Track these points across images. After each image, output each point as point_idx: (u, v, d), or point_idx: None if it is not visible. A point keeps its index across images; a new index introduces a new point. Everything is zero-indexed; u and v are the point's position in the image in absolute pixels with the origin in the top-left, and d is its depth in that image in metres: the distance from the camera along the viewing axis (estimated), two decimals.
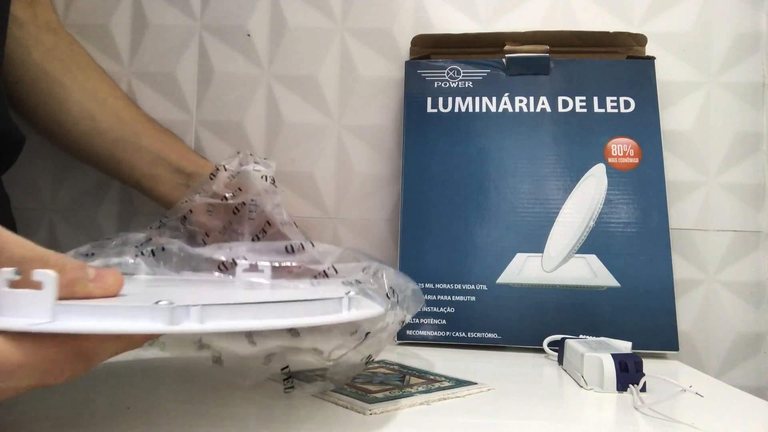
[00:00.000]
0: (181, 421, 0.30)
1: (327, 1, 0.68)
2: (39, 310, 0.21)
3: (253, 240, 0.50)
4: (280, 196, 0.53)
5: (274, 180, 0.53)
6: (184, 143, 0.63)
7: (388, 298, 0.34)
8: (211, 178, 0.53)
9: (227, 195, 0.52)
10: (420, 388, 0.37)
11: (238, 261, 0.38)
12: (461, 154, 0.60)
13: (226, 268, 0.39)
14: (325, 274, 0.38)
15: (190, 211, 0.52)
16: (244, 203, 0.51)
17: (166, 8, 0.69)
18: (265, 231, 0.51)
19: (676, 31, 0.65)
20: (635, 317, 0.54)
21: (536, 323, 0.55)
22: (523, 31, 0.63)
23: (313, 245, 0.41)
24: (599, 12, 0.66)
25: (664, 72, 0.63)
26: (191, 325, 0.22)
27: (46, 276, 0.21)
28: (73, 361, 0.22)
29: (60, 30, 0.61)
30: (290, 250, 0.40)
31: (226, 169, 0.53)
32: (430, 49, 0.64)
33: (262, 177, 0.53)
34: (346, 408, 0.32)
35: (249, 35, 0.68)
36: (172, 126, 0.67)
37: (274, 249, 0.40)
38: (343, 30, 0.68)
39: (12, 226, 0.58)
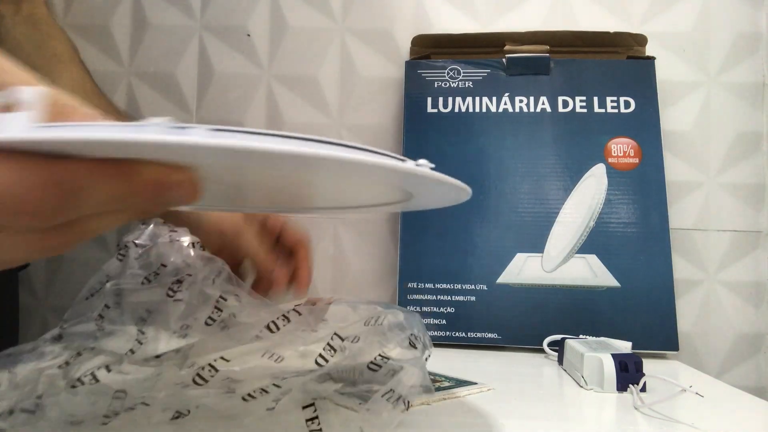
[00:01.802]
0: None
1: (327, 1, 0.68)
2: (13, 127, 0.17)
3: (207, 324, 0.38)
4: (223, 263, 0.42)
5: (202, 246, 0.43)
6: None
7: (413, 347, 0.31)
8: (120, 259, 0.41)
9: (149, 277, 0.40)
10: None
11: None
12: (461, 153, 0.60)
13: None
14: (331, 348, 0.31)
15: (107, 306, 0.39)
16: (179, 281, 0.39)
17: (166, 8, 0.69)
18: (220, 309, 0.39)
19: (676, 31, 0.65)
20: (635, 317, 0.54)
21: (536, 323, 0.55)
22: (523, 31, 0.63)
23: (299, 313, 0.34)
24: (599, 12, 0.66)
25: (664, 72, 0.63)
26: (196, 138, 0.17)
27: (28, 93, 0.18)
28: (53, 194, 0.18)
29: (42, 23, 0.56)
30: (274, 329, 0.33)
31: (136, 245, 0.42)
32: (430, 49, 0.64)
33: (188, 245, 0.42)
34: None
35: (249, 35, 0.68)
36: None
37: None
38: (343, 30, 0.68)
39: None
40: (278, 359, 0.31)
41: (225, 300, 0.38)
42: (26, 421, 0.28)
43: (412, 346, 0.32)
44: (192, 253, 0.41)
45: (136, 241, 0.41)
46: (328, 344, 0.31)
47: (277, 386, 0.29)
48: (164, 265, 0.40)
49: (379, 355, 0.30)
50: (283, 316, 0.34)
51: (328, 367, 0.31)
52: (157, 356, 0.35)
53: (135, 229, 0.43)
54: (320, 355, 0.31)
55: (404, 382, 0.28)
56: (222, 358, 0.31)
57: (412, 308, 0.56)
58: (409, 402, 0.28)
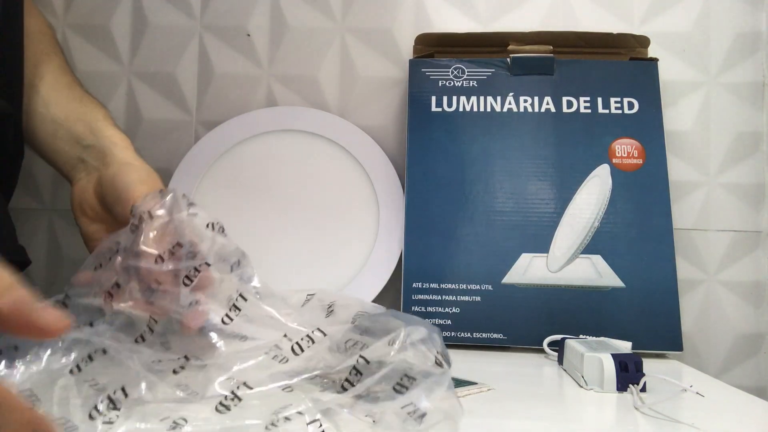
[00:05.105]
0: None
1: (327, 1, 0.68)
2: None
3: (224, 322, 0.35)
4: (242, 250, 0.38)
5: (222, 228, 0.38)
6: (103, 113, 0.52)
7: (440, 366, 0.29)
8: (133, 230, 0.36)
9: (163, 255, 0.35)
10: None
11: None
12: (465, 153, 0.60)
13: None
14: (357, 371, 0.29)
15: (117, 284, 0.36)
16: (197, 269, 0.35)
17: (166, 8, 0.69)
18: (238, 308, 0.35)
19: (676, 31, 0.65)
20: (640, 318, 0.54)
21: (542, 324, 0.54)
22: (527, 31, 0.63)
23: (324, 333, 0.32)
24: (599, 12, 0.66)
25: (664, 72, 0.63)
26: None
27: None
28: None
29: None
30: (298, 351, 0.31)
31: (152, 216, 0.36)
32: (434, 47, 0.64)
33: (207, 225, 0.36)
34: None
35: (249, 35, 0.68)
36: (172, 126, 0.67)
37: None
38: (344, 30, 0.68)
39: (9, 226, 0.58)
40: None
41: (246, 300, 0.35)
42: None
43: (439, 365, 0.30)
44: (209, 234, 0.37)
45: (152, 212, 0.36)
46: (354, 368, 0.30)
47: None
48: (180, 245, 0.36)
49: (405, 375, 0.29)
50: (308, 337, 0.32)
51: (354, 390, 0.29)
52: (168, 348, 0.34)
53: (151, 197, 0.38)
54: (347, 380, 0.30)
55: (426, 398, 0.27)
56: (245, 384, 0.30)
57: (416, 308, 0.56)
58: (424, 417, 0.27)
